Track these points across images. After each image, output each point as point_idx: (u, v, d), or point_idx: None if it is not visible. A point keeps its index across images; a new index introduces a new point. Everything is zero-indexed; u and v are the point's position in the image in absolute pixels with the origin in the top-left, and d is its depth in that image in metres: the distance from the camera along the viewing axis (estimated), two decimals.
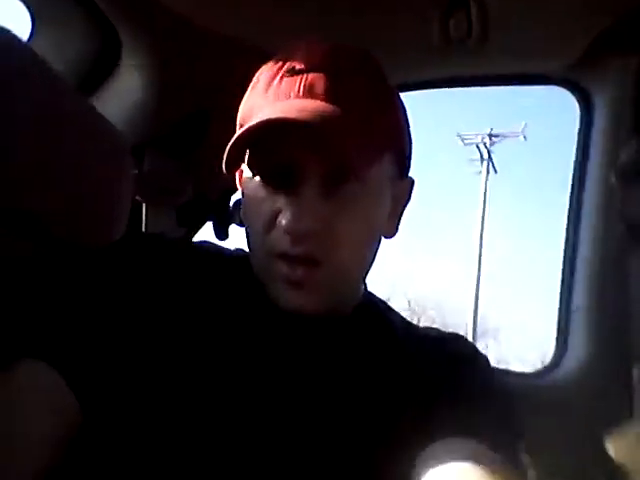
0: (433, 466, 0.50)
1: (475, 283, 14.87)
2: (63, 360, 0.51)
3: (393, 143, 0.61)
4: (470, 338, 0.75)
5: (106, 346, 0.54)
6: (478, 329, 14.94)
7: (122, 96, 1.18)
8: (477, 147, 15.77)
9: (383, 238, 0.65)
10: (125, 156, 0.85)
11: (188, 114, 1.20)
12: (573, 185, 1.30)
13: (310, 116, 0.51)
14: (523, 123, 15.66)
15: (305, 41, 0.60)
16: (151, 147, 1.21)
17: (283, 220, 0.54)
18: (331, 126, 0.52)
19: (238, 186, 0.65)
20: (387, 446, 0.56)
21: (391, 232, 0.66)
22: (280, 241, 0.55)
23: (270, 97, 0.56)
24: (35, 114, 0.66)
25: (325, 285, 0.57)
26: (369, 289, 0.71)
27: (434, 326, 0.80)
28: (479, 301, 14.82)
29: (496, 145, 15.77)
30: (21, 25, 1.06)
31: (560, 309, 1.26)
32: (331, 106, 0.54)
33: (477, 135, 15.81)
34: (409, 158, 0.65)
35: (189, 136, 1.21)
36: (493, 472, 0.48)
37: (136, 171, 1.19)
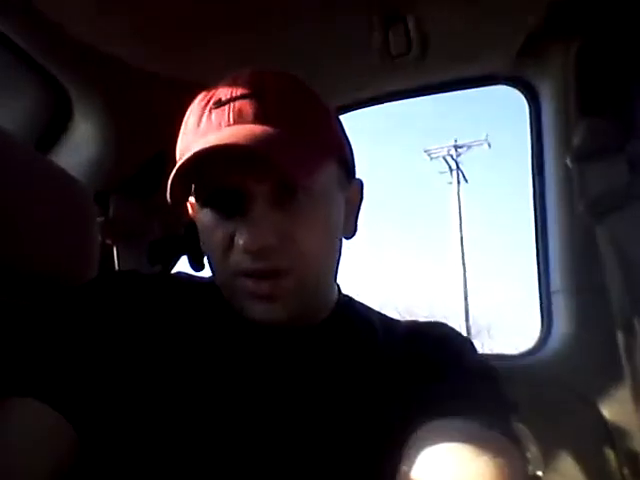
0: (423, 448, 0.49)
1: (462, 286, 14.95)
2: (55, 394, 0.51)
3: (332, 149, 0.62)
4: None
5: (96, 377, 0.54)
6: (472, 329, 14.92)
7: (79, 149, 1.19)
8: (444, 159, 16.06)
9: (344, 239, 0.66)
10: (87, 203, 0.85)
11: (146, 156, 1.21)
12: (533, 175, 1.34)
13: (242, 139, 0.52)
14: (485, 133, 16.03)
15: (232, 73, 0.61)
16: (114, 193, 1.22)
17: (240, 240, 0.55)
18: (264, 145, 0.53)
19: (192, 216, 0.65)
20: (374, 444, 0.56)
21: (350, 232, 0.68)
22: (241, 260, 0.56)
23: (201, 131, 0.57)
24: None
25: (292, 294, 0.57)
26: (345, 293, 0.71)
27: None
28: (469, 303, 14.88)
29: (462, 156, 16.09)
30: None
31: (540, 292, 1.28)
32: (261, 127, 0.54)
33: (443, 148, 16.10)
34: (352, 160, 0.67)
35: (150, 177, 1.22)
36: (486, 449, 0.47)
37: (102, 218, 1.20)
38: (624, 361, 1.03)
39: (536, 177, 1.32)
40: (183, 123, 0.62)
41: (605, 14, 1.14)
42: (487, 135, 15.93)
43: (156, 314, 0.61)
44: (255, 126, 0.55)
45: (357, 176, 0.68)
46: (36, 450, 0.48)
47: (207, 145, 0.52)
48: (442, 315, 16.94)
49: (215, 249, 0.58)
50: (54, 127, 1.19)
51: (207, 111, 0.57)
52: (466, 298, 14.87)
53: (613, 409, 1.09)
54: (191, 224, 0.65)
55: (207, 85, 0.61)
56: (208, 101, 0.58)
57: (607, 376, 1.10)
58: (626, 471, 1.06)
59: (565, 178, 1.21)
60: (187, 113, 0.61)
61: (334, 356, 0.62)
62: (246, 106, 0.56)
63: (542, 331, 1.26)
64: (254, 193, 0.55)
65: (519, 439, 0.54)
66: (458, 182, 16.06)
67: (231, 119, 0.55)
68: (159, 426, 0.54)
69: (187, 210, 0.66)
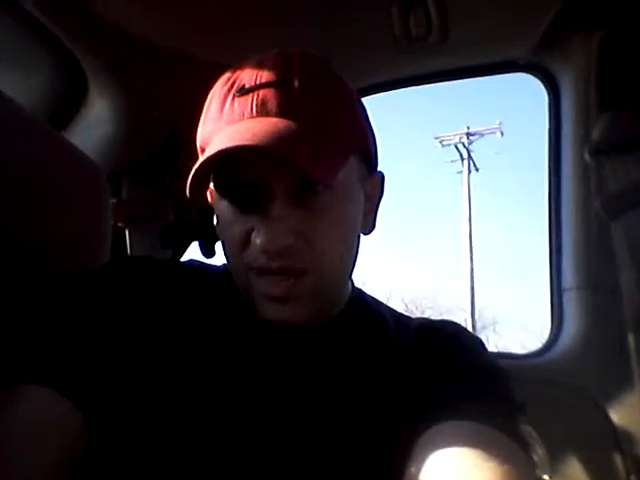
0: (431, 451, 0.49)
1: (469, 279, 14.91)
2: (67, 382, 0.51)
3: (357, 145, 0.60)
4: None
5: (105, 366, 0.54)
6: (477, 324, 14.92)
7: (94, 127, 1.18)
8: (456, 147, 15.92)
9: (362, 235, 0.65)
10: (100, 183, 0.85)
11: (160, 137, 1.21)
12: (550, 168, 1.32)
13: (265, 138, 0.51)
14: (498, 121, 15.85)
15: (257, 54, 0.59)
16: (128, 174, 1.21)
17: (257, 240, 0.54)
18: (288, 144, 0.51)
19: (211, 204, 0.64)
20: (384, 443, 0.55)
21: (368, 228, 0.66)
22: (257, 258, 0.55)
23: (224, 120, 0.56)
24: (10, 153, 0.66)
25: (309, 295, 0.56)
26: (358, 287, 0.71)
27: None
28: (475, 296, 14.84)
29: (474, 144, 15.94)
30: None
31: (551, 289, 1.27)
32: (286, 122, 0.53)
33: (455, 135, 15.95)
34: (375, 154, 0.65)
35: (164, 160, 1.22)
36: (493, 454, 0.47)
37: (114, 199, 1.20)
38: (635, 364, 1.01)
39: (552, 170, 1.30)
40: (205, 107, 0.60)
41: (629, 5, 1.12)
42: (500, 122, 15.78)
43: (168, 304, 0.61)
44: (278, 120, 0.53)
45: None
46: (46, 439, 0.48)
47: (230, 143, 0.51)
48: (447, 307, 16.99)
49: (231, 242, 0.57)
50: (69, 104, 1.18)
51: (230, 98, 0.56)
52: (472, 291, 14.82)
53: (622, 413, 1.08)
54: (204, 210, 0.64)
55: (225, 66, 0.59)
56: (231, 86, 0.57)
57: (617, 379, 1.09)
58: (633, 477, 1.05)
59: (582, 172, 1.19)
60: (209, 96, 0.60)
61: (348, 352, 0.62)
62: (271, 97, 0.54)
63: (552, 330, 1.25)
64: (274, 189, 0.54)
65: (527, 442, 0.54)
66: (469, 171, 15.93)
67: (254, 110, 0.54)
68: (166, 420, 0.54)
69: (205, 197, 0.64)
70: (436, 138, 16.34)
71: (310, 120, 0.54)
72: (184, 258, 1.33)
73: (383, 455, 0.55)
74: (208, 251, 1.26)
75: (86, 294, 0.59)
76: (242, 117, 0.55)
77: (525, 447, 0.52)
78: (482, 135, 15.94)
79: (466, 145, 15.97)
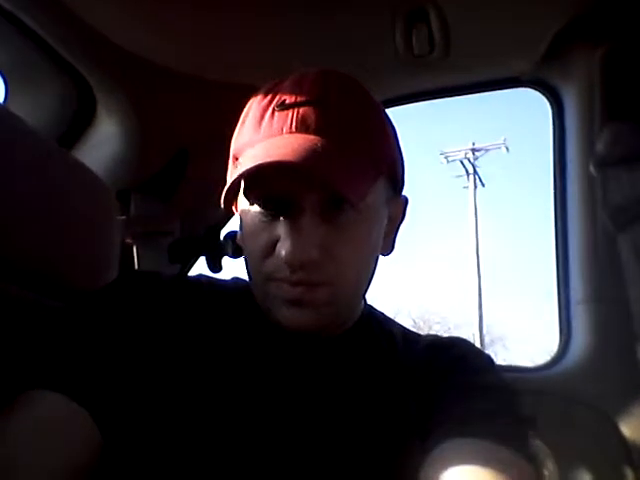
0: (439, 470, 0.49)
1: (477, 294, 14.82)
2: (82, 391, 0.51)
3: (387, 168, 0.61)
4: None
5: (116, 374, 0.55)
6: (485, 339, 14.80)
7: (102, 146, 1.20)
8: (461, 162, 15.95)
9: (380, 256, 0.65)
10: (109, 202, 0.86)
11: (169, 155, 1.22)
12: (555, 181, 1.32)
13: (304, 156, 0.52)
14: (503, 137, 15.91)
15: (294, 73, 0.60)
16: (136, 192, 1.23)
17: (282, 250, 0.54)
18: (325, 163, 0.53)
19: (235, 213, 0.65)
20: (393, 456, 0.55)
21: (387, 250, 0.67)
22: (279, 268, 0.56)
23: (263, 133, 0.57)
24: (19, 172, 0.68)
25: (324, 305, 0.57)
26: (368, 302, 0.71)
27: None
28: (483, 312, 14.75)
29: (480, 159, 15.97)
30: None
31: (559, 303, 1.26)
32: (324, 140, 0.54)
33: (460, 151, 16.00)
34: (402, 177, 0.66)
35: (172, 177, 1.23)
36: (501, 472, 0.47)
37: (123, 216, 1.21)
38: None
39: (557, 183, 1.31)
40: (240, 121, 0.62)
41: (632, 19, 1.13)
42: (505, 138, 15.82)
43: (177, 319, 0.61)
44: (317, 138, 0.55)
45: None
46: (60, 447, 0.49)
47: (269, 158, 0.52)
48: (455, 323, 16.87)
49: (255, 251, 0.58)
50: (77, 123, 1.20)
51: (269, 112, 0.57)
52: (480, 307, 14.73)
53: (632, 425, 1.07)
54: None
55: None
56: (270, 101, 0.58)
57: (626, 391, 1.08)
58: None
59: (588, 185, 1.19)
60: (246, 107, 0.62)
61: (357, 366, 0.62)
62: (310, 114, 0.56)
63: (561, 343, 1.23)
64: (303, 203, 0.55)
65: (536, 458, 0.54)
66: (475, 186, 15.94)
67: (293, 126, 0.55)
68: (178, 426, 0.54)
69: (235, 206, 0.65)
70: (441, 154, 16.39)
71: (346, 140, 0.56)
72: (191, 273, 1.34)
73: (391, 470, 0.55)
74: (215, 266, 1.28)
75: (97, 307, 0.60)
76: (281, 132, 0.56)
77: (534, 463, 0.53)
78: (487, 150, 15.98)
79: (472, 160, 16.00)
